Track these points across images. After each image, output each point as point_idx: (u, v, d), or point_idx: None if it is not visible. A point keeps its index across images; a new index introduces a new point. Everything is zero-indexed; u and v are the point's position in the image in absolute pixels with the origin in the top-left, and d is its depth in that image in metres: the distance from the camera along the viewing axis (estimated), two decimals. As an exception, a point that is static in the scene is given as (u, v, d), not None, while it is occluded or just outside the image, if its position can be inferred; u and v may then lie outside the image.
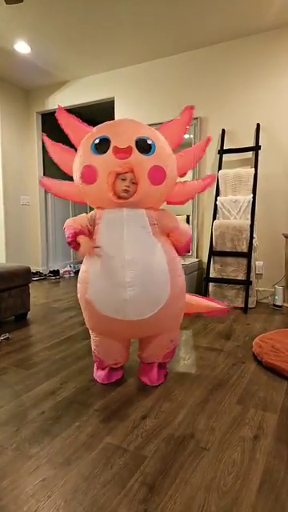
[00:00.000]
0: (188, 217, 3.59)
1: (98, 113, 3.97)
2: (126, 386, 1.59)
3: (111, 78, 3.84)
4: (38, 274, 4.39)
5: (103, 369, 1.64)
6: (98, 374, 1.65)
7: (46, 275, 4.52)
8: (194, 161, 1.62)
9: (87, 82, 4.01)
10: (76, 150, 1.47)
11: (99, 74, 3.92)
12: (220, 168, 3.20)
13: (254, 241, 2.94)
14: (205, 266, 3.26)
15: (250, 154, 3.17)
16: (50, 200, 4.76)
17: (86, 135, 1.44)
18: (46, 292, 3.68)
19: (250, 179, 3.02)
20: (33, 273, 4.22)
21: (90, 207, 1.52)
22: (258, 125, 3.07)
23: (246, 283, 2.88)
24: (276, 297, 2.95)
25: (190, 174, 3.44)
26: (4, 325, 2.51)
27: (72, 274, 4.69)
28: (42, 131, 4.37)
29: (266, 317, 2.71)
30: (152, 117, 3.51)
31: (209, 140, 1.67)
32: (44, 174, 4.40)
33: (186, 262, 3.13)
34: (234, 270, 3.01)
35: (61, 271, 4.62)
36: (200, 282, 3.33)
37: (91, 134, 1.43)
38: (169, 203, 1.58)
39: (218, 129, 3.27)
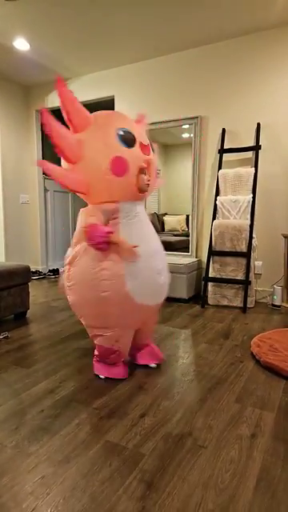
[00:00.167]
0: (188, 216, 3.60)
1: (97, 111, 3.96)
2: (125, 384, 1.60)
3: (111, 76, 3.84)
4: (37, 272, 4.40)
5: (118, 365, 1.64)
6: (116, 372, 1.63)
7: (45, 274, 4.52)
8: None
9: (87, 79, 4.00)
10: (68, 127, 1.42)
11: (99, 72, 3.92)
12: (220, 167, 3.20)
13: (253, 241, 2.95)
14: (204, 266, 3.27)
15: (250, 154, 3.17)
16: (50, 199, 4.75)
17: (85, 118, 1.42)
18: (45, 291, 3.68)
19: (250, 179, 3.02)
20: (32, 272, 4.24)
21: (84, 202, 1.53)
22: (259, 124, 3.07)
23: (245, 283, 2.89)
24: (275, 297, 2.96)
25: (189, 174, 3.47)
26: (3, 323, 2.52)
27: (71, 273, 4.68)
28: (41, 129, 4.36)
29: (265, 316, 2.72)
30: (152, 115, 3.53)
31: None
32: (43, 173, 4.40)
33: (186, 262, 3.14)
34: (233, 269, 3.02)
35: (60, 270, 4.62)
36: (199, 282, 3.34)
37: (106, 122, 1.40)
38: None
39: (219, 128, 3.27)
